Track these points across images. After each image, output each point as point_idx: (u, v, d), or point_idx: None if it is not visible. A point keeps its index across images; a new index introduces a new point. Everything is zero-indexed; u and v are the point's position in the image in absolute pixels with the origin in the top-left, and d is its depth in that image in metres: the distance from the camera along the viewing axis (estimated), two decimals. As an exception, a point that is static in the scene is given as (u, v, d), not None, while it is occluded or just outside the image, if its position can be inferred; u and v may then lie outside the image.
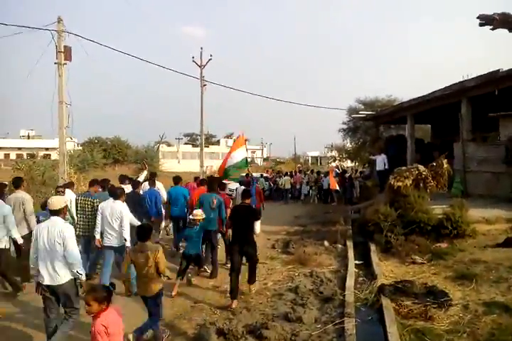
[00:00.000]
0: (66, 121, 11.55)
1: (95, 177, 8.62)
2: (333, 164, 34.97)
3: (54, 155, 27.59)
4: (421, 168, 9.02)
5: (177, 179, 8.68)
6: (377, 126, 19.72)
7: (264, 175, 22.47)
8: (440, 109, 13.65)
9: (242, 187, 9.08)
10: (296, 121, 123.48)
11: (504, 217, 8.19)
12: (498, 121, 10.48)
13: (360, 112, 21.27)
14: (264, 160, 62.17)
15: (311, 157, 67.68)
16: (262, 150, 66.83)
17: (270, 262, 7.59)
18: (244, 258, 5.84)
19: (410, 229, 7.77)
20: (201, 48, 21.95)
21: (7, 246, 5.57)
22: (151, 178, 8.99)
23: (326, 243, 8.67)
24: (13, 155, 52.01)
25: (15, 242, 5.59)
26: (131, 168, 34.30)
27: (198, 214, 6.22)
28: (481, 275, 5.83)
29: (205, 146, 28.36)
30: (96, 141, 42.86)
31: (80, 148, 37.09)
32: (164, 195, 8.62)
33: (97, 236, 5.93)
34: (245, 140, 10.69)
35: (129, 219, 5.89)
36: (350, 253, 7.68)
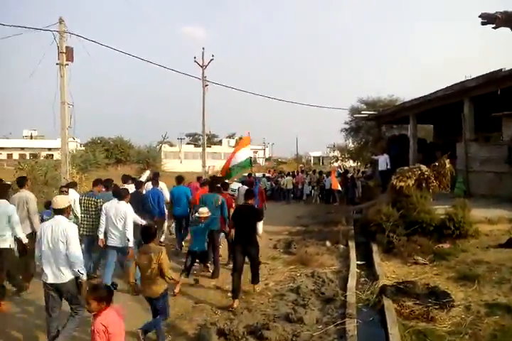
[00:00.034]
0: (68, 121, 11.58)
1: (98, 177, 8.64)
2: (335, 164, 34.98)
3: (56, 156, 27.69)
4: (423, 168, 8.98)
5: (180, 179, 8.72)
6: (380, 125, 19.66)
7: (267, 175, 22.51)
8: (442, 109, 13.62)
9: (245, 187, 9.09)
10: (298, 121, 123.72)
11: (507, 217, 8.13)
12: (501, 120, 10.46)
13: (363, 112, 21.23)
14: (266, 160, 62.24)
15: (313, 157, 67.75)
16: (264, 150, 66.80)
17: (272, 262, 7.59)
18: (246, 259, 5.83)
19: (412, 229, 7.73)
20: (203, 48, 21.92)
21: (12, 246, 5.59)
22: (154, 178, 9.01)
23: (327, 243, 8.65)
24: (15, 156, 52.23)
25: (19, 241, 5.61)
26: (134, 167, 34.43)
27: (204, 211, 6.23)
28: (483, 276, 5.79)
29: (207, 146, 28.33)
30: (99, 141, 43.02)
31: (83, 148, 37.17)
32: (167, 195, 8.65)
33: (101, 236, 5.98)
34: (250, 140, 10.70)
35: (133, 219, 5.95)
36: (352, 254, 7.65)
